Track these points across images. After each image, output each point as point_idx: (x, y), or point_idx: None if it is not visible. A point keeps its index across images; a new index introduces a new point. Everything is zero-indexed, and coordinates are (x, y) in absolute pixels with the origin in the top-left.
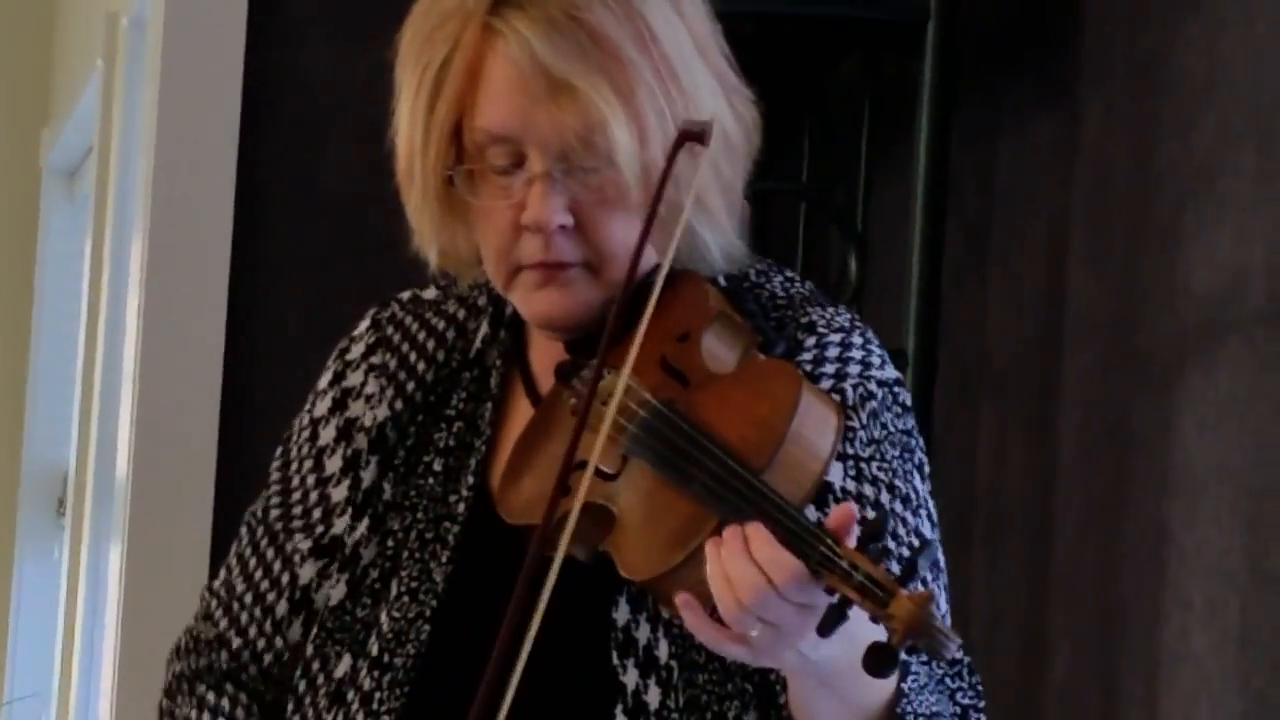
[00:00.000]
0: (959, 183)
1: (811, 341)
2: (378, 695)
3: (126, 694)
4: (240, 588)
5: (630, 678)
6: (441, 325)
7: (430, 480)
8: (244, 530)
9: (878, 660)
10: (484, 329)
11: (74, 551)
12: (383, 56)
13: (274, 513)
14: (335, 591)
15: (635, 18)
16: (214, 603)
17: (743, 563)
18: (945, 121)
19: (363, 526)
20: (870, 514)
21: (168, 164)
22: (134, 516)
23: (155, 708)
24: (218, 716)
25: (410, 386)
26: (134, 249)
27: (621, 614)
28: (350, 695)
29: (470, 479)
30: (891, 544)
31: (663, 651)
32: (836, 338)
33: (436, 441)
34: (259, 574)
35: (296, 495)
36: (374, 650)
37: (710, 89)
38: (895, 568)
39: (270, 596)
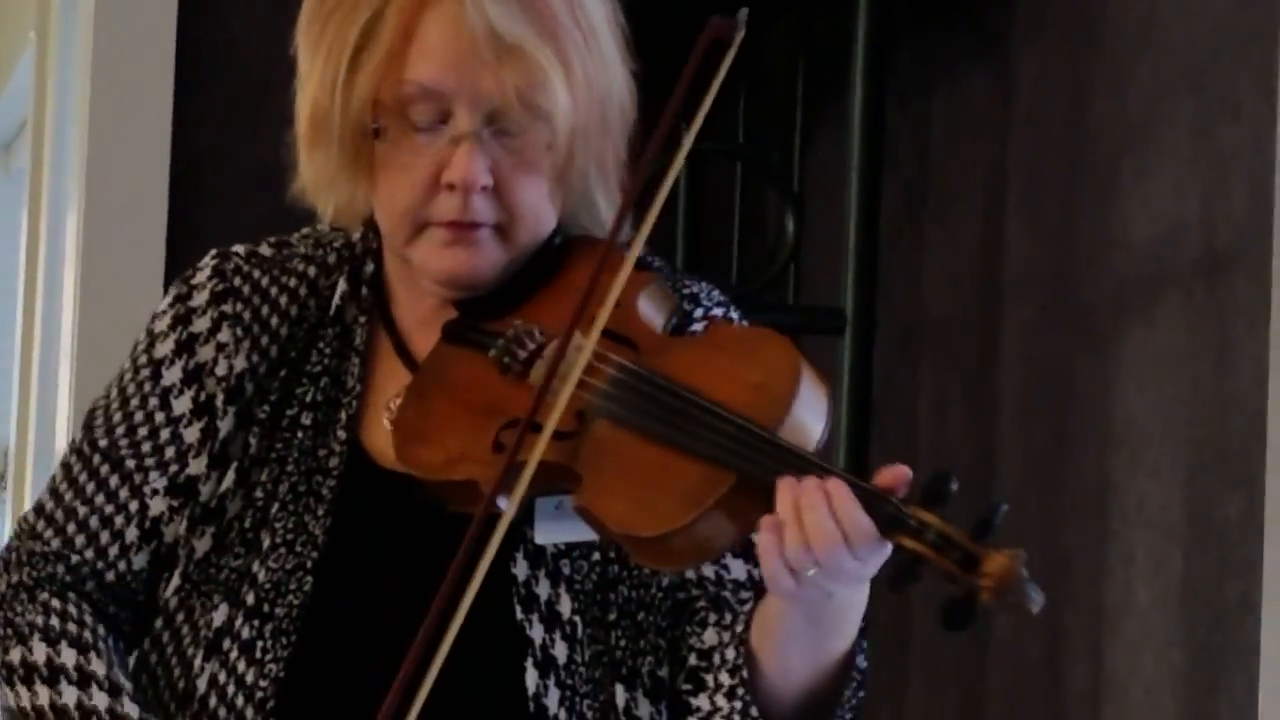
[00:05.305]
0: (895, 141)
1: (699, 312)
2: (260, 644)
3: None
4: (82, 511)
5: (536, 632)
6: (293, 282)
7: (299, 434)
8: (74, 459)
9: (957, 616)
10: (342, 285)
11: None
12: None
13: (121, 446)
14: (200, 544)
15: None
16: (41, 524)
17: (822, 516)
18: (880, 79)
19: (229, 480)
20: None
21: (102, 137)
22: None
23: None
24: (66, 620)
25: (265, 341)
26: (70, 222)
27: (520, 570)
28: (228, 644)
29: (342, 434)
30: None
31: (565, 608)
32: (720, 311)
33: (301, 396)
34: (101, 499)
35: (143, 431)
36: (250, 600)
37: (615, 59)
38: None
39: (118, 520)
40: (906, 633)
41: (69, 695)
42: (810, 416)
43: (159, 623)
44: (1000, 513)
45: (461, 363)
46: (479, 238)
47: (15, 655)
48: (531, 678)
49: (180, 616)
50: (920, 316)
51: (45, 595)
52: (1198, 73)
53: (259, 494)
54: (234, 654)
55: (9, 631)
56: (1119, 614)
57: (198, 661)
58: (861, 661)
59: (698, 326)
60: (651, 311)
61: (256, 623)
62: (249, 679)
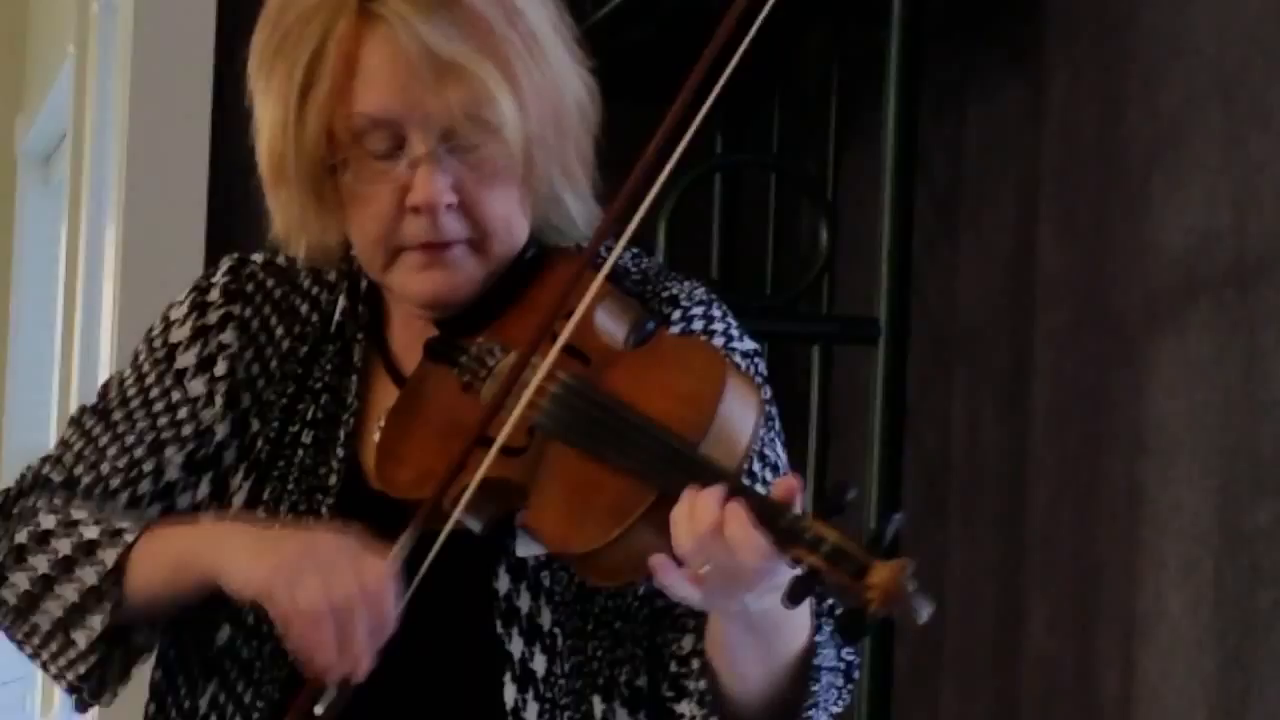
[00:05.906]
0: (928, 150)
1: (677, 315)
2: (257, 664)
3: None
4: (93, 458)
5: (516, 646)
6: (296, 299)
7: (300, 452)
8: (88, 417)
9: (850, 627)
10: (342, 302)
11: None
12: None
13: (138, 418)
14: None
15: None
16: (47, 468)
17: (712, 534)
18: (913, 89)
19: (241, 494)
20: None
21: (141, 148)
22: None
23: (138, 694)
24: (71, 501)
25: (269, 352)
26: (109, 233)
27: (503, 584)
28: (228, 664)
29: (340, 452)
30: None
31: (546, 620)
32: (699, 310)
33: (303, 413)
34: (115, 451)
35: (160, 405)
36: (250, 620)
37: (566, 61)
38: None
39: (132, 473)
40: (939, 638)
41: (90, 532)
42: (736, 424)
43: (165, 643)
44: (894, 522)
45: (436, 381)
46: (453, 256)
47: (23, 534)
48: (510, 692)
49: (186, 636)
50: (953, 325)
51: (49, 496)
52: (1229, 82)
53: (261, 512)
54: (234, 674)
55: (10, 527)
56: (1151, 621)
57: (201, 681)
58: (848, 655)
59: (676, 329)
60: (610, 324)
61: (255, 643)
62: (246, 699)
